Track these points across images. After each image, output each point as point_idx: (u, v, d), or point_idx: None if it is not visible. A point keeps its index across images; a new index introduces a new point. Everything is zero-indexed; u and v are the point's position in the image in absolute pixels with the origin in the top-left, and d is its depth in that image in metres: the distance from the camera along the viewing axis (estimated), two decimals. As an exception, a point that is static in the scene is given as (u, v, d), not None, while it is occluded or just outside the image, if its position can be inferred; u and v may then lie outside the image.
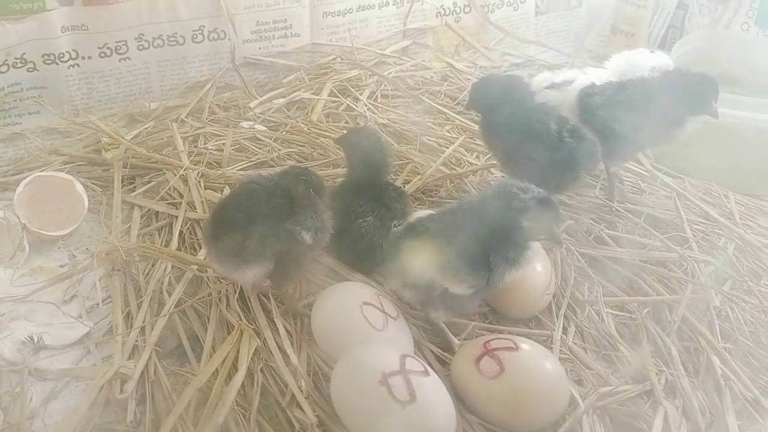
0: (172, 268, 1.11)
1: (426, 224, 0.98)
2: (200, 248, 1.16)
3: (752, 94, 1.48)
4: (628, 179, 1.41)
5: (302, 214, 0.97)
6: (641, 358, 0.99)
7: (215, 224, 0.97)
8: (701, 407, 0.92)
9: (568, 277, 1.12)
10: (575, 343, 1.02)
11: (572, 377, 0.96)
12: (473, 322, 1.04)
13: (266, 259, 0.96)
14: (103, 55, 1.52)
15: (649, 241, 1.21)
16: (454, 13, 1.89)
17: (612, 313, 1.07)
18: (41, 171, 1.30)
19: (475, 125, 1.46)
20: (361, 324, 0.94)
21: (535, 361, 0.91)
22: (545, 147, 1.15)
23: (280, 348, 0.97)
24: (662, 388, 0.94)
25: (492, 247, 0.92)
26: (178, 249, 1.16)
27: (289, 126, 1.52)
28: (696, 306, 1.08)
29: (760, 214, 1.35)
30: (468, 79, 1.75)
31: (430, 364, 0.95)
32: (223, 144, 1.41)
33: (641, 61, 1.45)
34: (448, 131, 1.56)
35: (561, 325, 1.04)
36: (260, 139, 1.46)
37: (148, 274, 1.12)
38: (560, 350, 1.00)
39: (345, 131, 1.26)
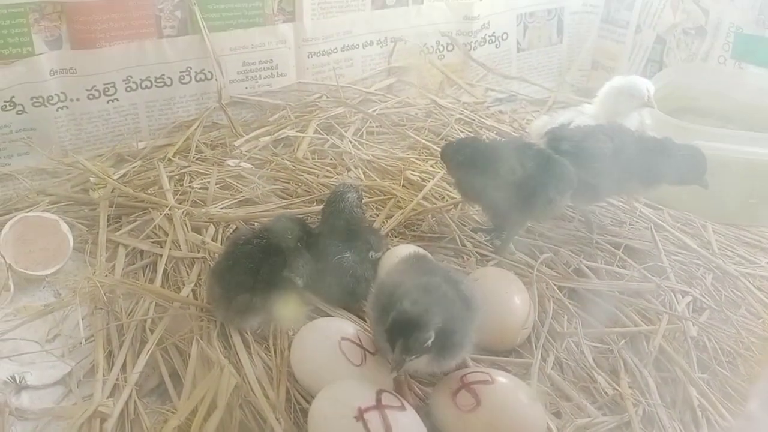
0: (155, 306, 1.13)
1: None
2: (183, 286, 1.17)
3: (729, 125, 1.52)
4: (607, 212, 1.43)
5: (294, 263, 1.10)
6: (619, 389, 1.00)
7: (224, 286, 1.06)
8: (678, 438, 0.93)
9: (547, 309, 1.13)
10: (554, 372, 1.03)
11: (550, 409, 0.96)
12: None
13: (269, 307, 1.07)
14: (91, 96, 1.55)
15: (628, 272, 1.23)
16: (437, 51, 1.93)
17: (590, 345, 1.08)
18: (27, 211, 1.32)
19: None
20: (339, 359, 0.95)
21: (511, 394, 0.92)
22: (510, 179, 1.18)
23: (260, 383, 0.97)
24: (639, 420, 0.95)
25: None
26: (162, 287, 1.17)
27: (274, 163, 1.54)
28: (673, 337, 1.10)
29: (738, 244, 1.37)
30: (451, 114, 1.79)
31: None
32: (209, 182, 1.44)
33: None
34: (432, 166, 1.59)
35: (539, 357, 1.05)
36: (245, 177, 1.49)
37: (131, 312, 1.13)
38: (538, 383, 1.00)
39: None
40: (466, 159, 1.25)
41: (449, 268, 1.01)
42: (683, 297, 1.17)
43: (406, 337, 0.85)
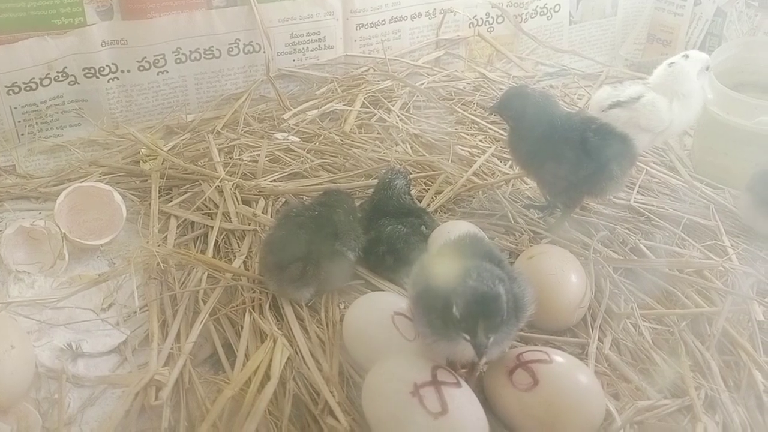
0: (207, 277, 1.13)
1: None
2: (234, 258, 1.17)
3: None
4: (666, 189, 1.38)
5: (346, 237, 1.10)
6: (680, 371, 0.97)
7: (277, 256, 1.06)
8: (742, 423, 0.89)
9: (603, 288, 1.10)
10: (611, 353, 1.00)
11: (608, 391, 0.94)
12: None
13: (321, 278, 1.06)
14: (141, 68, 1.55)
15: (688, 251, 1.19)
16: (486, 23, 1.88)
17: (649, 326, 1.05)
18: (81, 182, 1.33)
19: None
20: (392, 334, 0.94)
21: (569, 374, 0.89)
22: (569, 153, 1.14)
23: (313, 356, 0.97)
24: (702, 404, 0.92)
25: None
26: (214, 258, 1.18)
27: (322, 137, 1.53)
28: (737, 319, 1.06)
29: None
30: (501, 89, 1.74)
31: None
32: (258, 155, 1.43)
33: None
34: (480, 141, 1.56)
35: (596, 337, 1.02)
36: (294, 150, 1.48)
37: (183, 282, 1.13)
38: (595, 363, 0.98)
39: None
40: (529, 123, 1.19)
41: (504, 258, 0.94)
42: (746, 278, 1.13)
43: (487, 314, 0.80)
